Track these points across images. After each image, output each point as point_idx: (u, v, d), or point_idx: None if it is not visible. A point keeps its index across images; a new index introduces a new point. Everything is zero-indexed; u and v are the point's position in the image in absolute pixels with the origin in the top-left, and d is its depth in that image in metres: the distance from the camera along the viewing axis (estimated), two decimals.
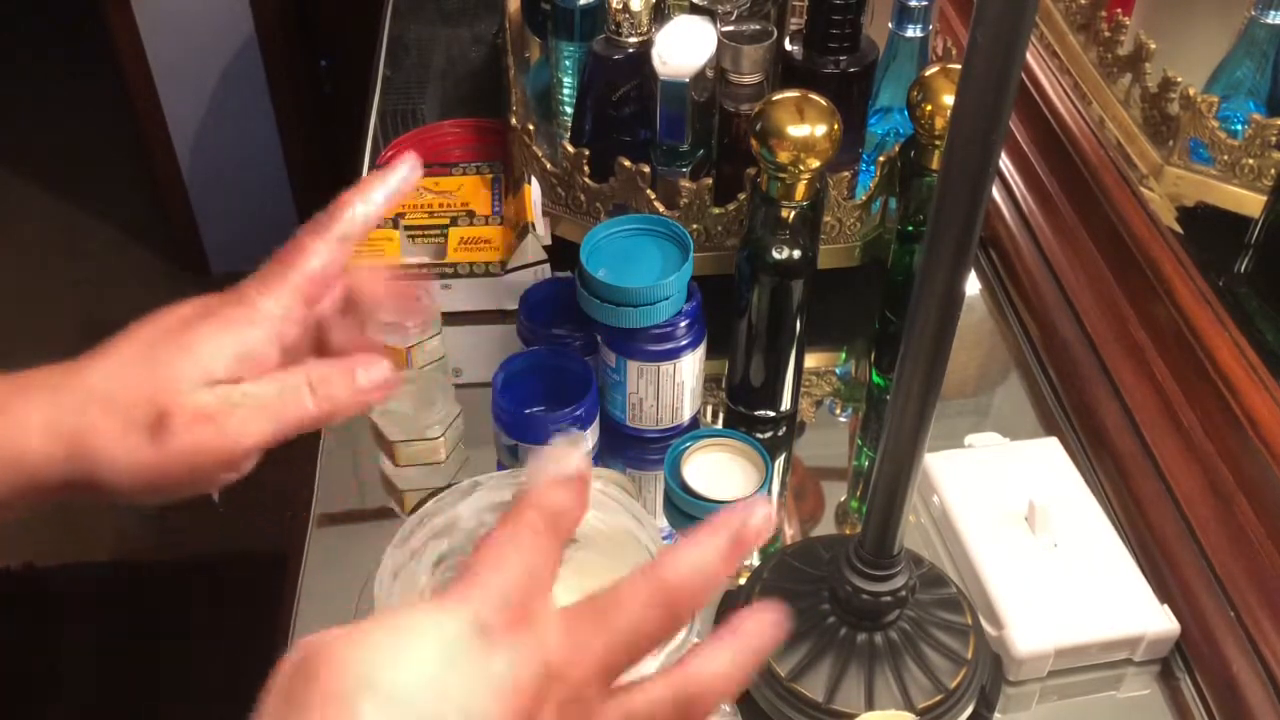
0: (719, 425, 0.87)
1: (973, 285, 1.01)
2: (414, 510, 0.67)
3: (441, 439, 0.77)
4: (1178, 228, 0.83)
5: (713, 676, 0.37)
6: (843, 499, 0.84)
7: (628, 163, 0.87)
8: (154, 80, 2.15)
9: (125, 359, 0.45)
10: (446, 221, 0.97)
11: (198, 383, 0.44)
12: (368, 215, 0.50)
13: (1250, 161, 0.76)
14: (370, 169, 1.06)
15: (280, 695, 0.33)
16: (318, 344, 0.52)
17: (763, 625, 0.38)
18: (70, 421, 0.44)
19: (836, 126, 0.74)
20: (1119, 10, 0.91)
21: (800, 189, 0.75)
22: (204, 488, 0.46)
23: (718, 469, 0.81)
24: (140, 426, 0.43)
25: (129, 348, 0.46)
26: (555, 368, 0.79)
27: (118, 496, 0.45)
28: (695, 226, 0.88)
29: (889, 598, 0.64)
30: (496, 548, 0.37)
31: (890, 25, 0.94)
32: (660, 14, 0.95)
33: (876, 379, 0.92)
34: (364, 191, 0.50)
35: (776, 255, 0.77)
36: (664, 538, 0.78)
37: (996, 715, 0.69)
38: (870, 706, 0.64)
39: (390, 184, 0.51)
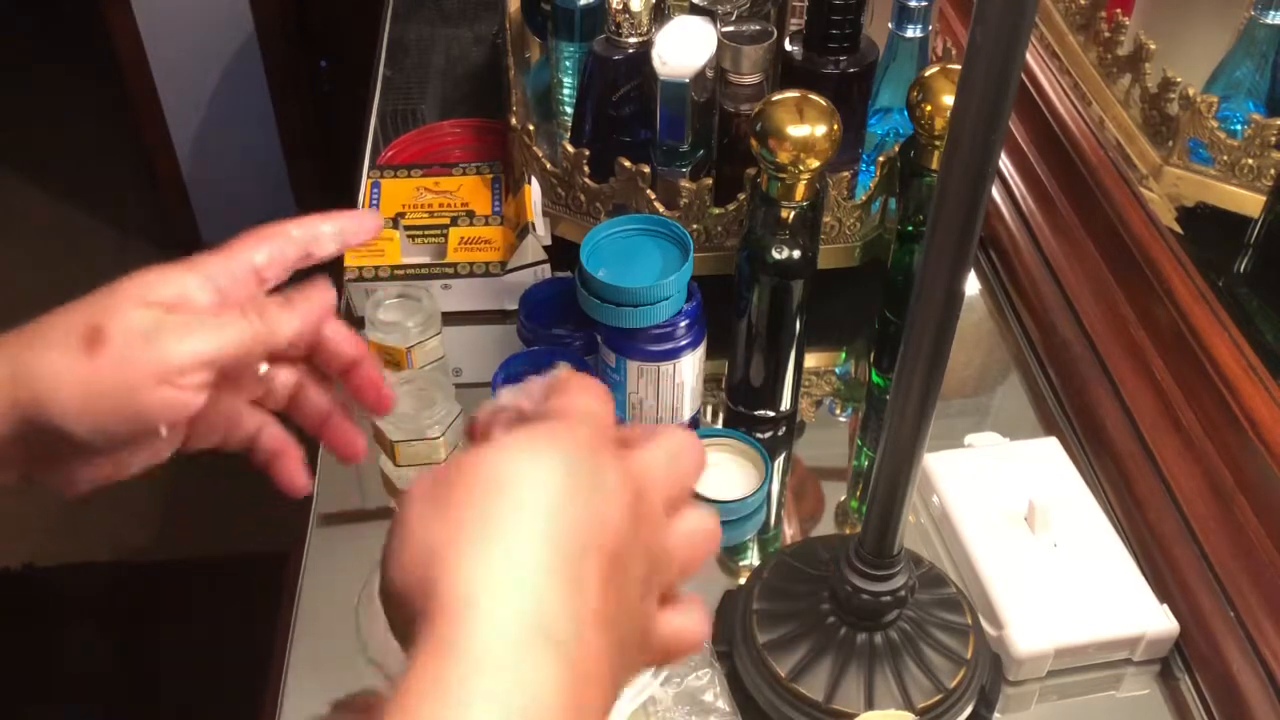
0: (719, 425, 0.87)
1: (973, 285, 1.01)
2: None
3: (441, 439, 0.77)
4: (1177, 228, 0.83)
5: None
6: (843, 499, 0.84)
7: (628, 163, 0.87)
8: (154, 80, 2.16)
9: (70, 306, 0.47)
10: (446, 221, 0.97)
11: (135, 305, 0.46)
12: (322, 232, 0.53)
13: (1250, 161, 0.76)
14: (370, 169, 1.06)
15: (425, 501, 0.37)
16: (293, 403, 0.55)
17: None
18: (15, 355, 0.45)
19: (836, 126, 0.74)
20: (1119, 10, 0.91)
21: (800, 189, 0.75)
22: (146, 413, 0.45)
23: (718, 469, 0.81)
24: (77, 343, 0.45)
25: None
26: (555, 368, 0.79)
27: (60, 426, 0.44)
28: (695, 226, 0.88)
29: (889, 598, 0.64)
30: (577, 389, 0.42)
31: (890, 25, 0.93)
32: (660, 14, 0.95)
33: (876, 379, 0.92)
34: (331, 216, 0.54)
35: (776, 255, 0.77)
36: None
37: (996, 715, 0.69)
38: (870, 706, 0.64)
39: (355, 221, 0.54)
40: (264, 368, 0.53)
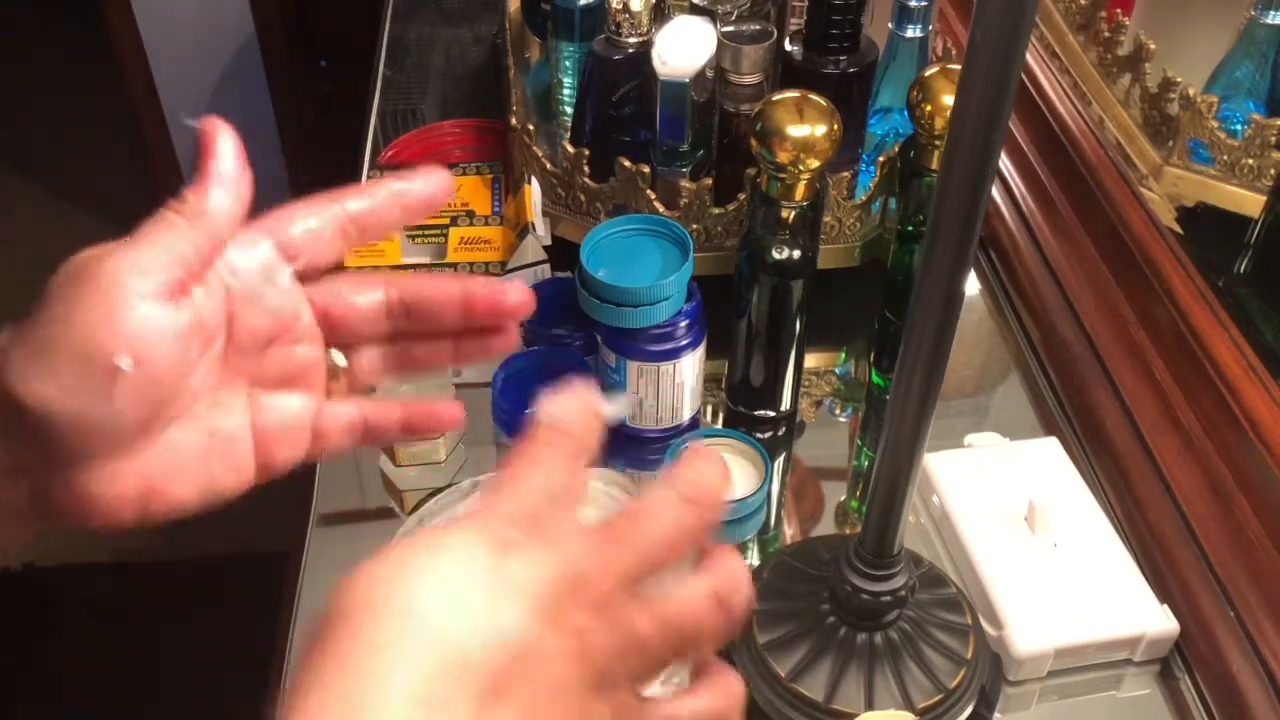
0: (719, 425, 0.87)
1: (973, 285, 1.01)
2: (414, 510, 0.67)
3: (441, 439, 0.77)
4: (1177, 228, 0.83)
5: (737, 566, 0.38)
6: (843, 499, 0.84)
7: (628, 163, 0.87)
8: (154, 80, 2.16)
9: None
10: (446, 221, 0.97)
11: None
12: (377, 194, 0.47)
13: (1250, 161, 0.76)
14: (370, 169, 1.06)
15: (311, 644, 0.35)
16: (404, 364, 0.49)
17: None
18: None
19: (836, 126, 0.74)
20: (1119, 10, 0.91)
21: (800, 189, 0.75)
22: (93, 341, 0.40)
23: None
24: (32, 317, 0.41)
25: None
26: (555, 368, 0.79)
27: (30, 404, 0.40)
28: (695, 226, 0.88)
29: (889, 598, 0.64)
30: (515, 466, 0.37)
31: (890, 25, 0.94)
32: (660, 14, 0.95)
33: (876, 379, 0.92)
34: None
35: (776, 255, 0.77)
36: None
37: (996, 715, 0.69)
38: (870, 706, 0.64)
39: (409, 185, 0.47)
40: (340, 360, 0.47)
